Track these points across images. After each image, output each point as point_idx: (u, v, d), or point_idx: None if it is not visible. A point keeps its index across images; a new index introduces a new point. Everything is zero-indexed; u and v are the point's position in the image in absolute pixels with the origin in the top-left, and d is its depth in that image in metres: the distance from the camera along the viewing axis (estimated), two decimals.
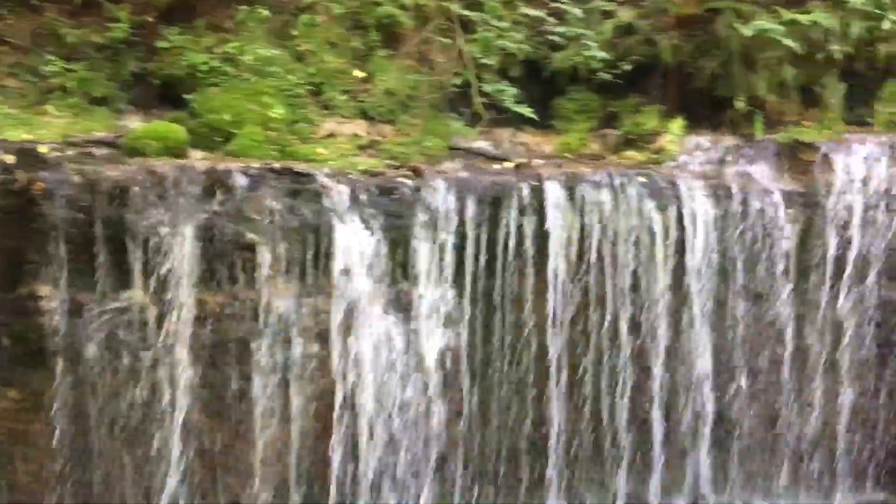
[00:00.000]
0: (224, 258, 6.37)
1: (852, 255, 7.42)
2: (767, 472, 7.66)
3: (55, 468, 6.27)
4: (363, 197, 6.72)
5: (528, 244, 7.02)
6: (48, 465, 6.27)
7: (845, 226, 7.44)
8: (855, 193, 7.40)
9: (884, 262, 7.44)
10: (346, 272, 6.47)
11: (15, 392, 6.25)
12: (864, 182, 7.41)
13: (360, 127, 8.22)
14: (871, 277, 7.47)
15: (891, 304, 7.50)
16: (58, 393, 6.21)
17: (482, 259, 6.94)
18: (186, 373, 6.28)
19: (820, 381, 7.51)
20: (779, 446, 7.60)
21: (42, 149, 6.42)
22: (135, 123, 7.42)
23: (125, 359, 6.28)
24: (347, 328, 6.45)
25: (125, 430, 6.34)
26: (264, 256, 6.36)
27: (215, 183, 6.49)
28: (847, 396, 7.54)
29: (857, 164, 7.47)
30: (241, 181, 6.50)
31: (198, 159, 6.92)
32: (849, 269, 7.46)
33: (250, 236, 6.39)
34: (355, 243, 6.54)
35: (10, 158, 6.23)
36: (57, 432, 6.21)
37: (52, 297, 6.19)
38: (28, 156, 6.29)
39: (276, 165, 6.77)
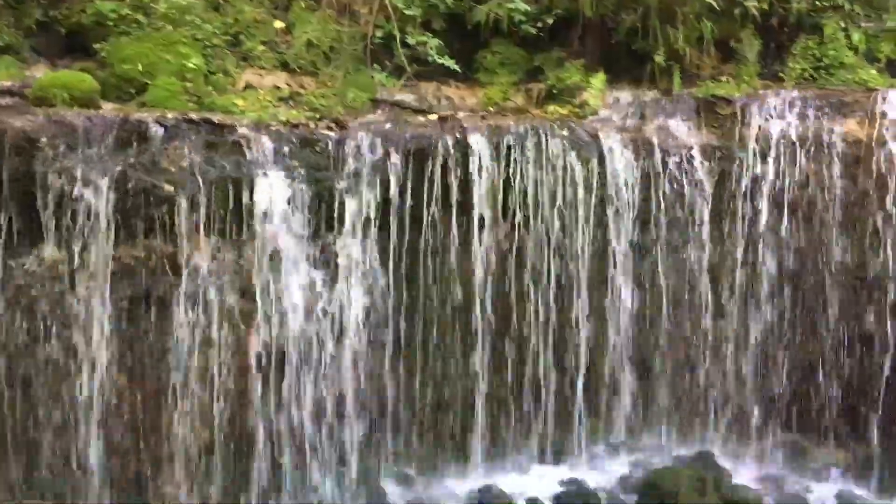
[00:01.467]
0: (141, 212, 6.17)
1: (765, 205, 7.64)
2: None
3: None
4: (286, 149, 6.59)
5: (453, 197, 7.02)
6: None
7: (759, 178, 7.65)
8: (769, 146, 7.60)
9: (793, 212, 7.69)
10: (269, 226, 6.34)
11: None
12: (778, 135, 7.61)
13: (280, 79, 8.03)
14: (784, 225, 7.71)
15: (800, 249, 7.75)
16: None
17: (407, 212, 6.91)
18: (103, 330, 6.09)
19: (733, 327, 7.76)
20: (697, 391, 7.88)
21: None
22: (41, 73, 7.09)
23: (39, 316, 6.05)
24: (270, 283, 6.35)
25: (41, 389, 6.13)
26: (182, 209, 6.19)
27: (130, 134, 6.26)
28: (756, 342, 7.83)
29: (771, 119, 7.66)
30: (156, 132, 6.29)
31: (109, 110, 6.66)
32: (763, 218, 7.68)
33: (168, 189, 6.20)
34: (278, 197, 6.42)
35: None
36: None
37: None
38: None
39: (194, 116, 6.57)
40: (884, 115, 7.43)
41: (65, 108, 6.41)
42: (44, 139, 6.00)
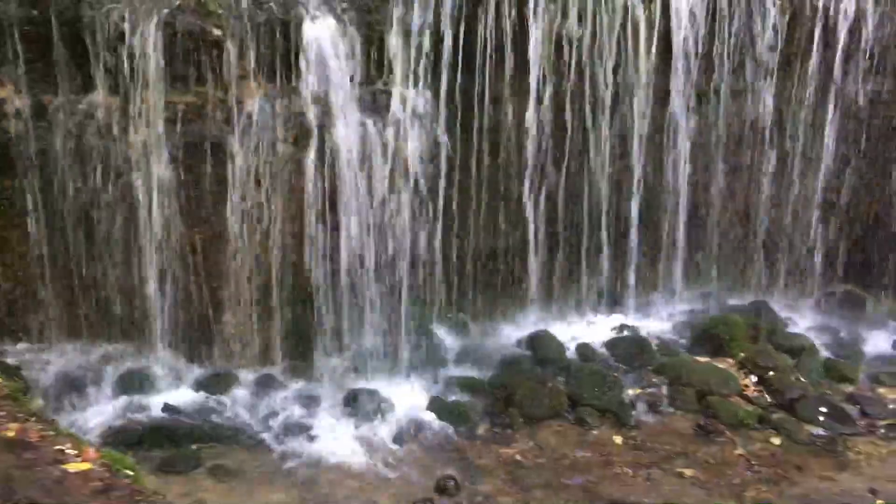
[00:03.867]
0: (190, 57, 6.09)
1: (839, 48, 7.22)
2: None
3: (35, 272, 6.30)
4: None
5: (508, 41, 6.76)
6: (27, 270, 6.29)
7: (835, 18, 7.18)
8: None
9: (869, 57, 7.26)
10: (317, 71, 6.22)
11: None
12: None
13: None
14: (857, 70, 7.30)
15: (872, 98, 7.37)
16: (29, 197, 6.13)
17: (460, 57, 6.69)
18: (160, 176, 6.17)
19: (794, 176, 7.53)
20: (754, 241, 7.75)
21: None
22: None
23: (94, 162, 6.15)
24: (321, 128, 6.29)
25: (104, 234, 6.31)
26: (231, 54, 6.09)
27: None
28: (817, 192, 7.59)
29: None
30: None
31: None
32: (836, 62, 7.28)
33: (216, 32, 6.09)
34: (326, 41, 6.26)
35: None
36: (34, 237, 6.19)
37: (14, 99, 5.96)
38: None
39: None
40: None
41: None
42: None
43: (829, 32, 7.22)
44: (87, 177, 6.19)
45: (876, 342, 7.52)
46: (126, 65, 5.95)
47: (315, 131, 6.30)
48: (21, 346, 6.46)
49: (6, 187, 6.16)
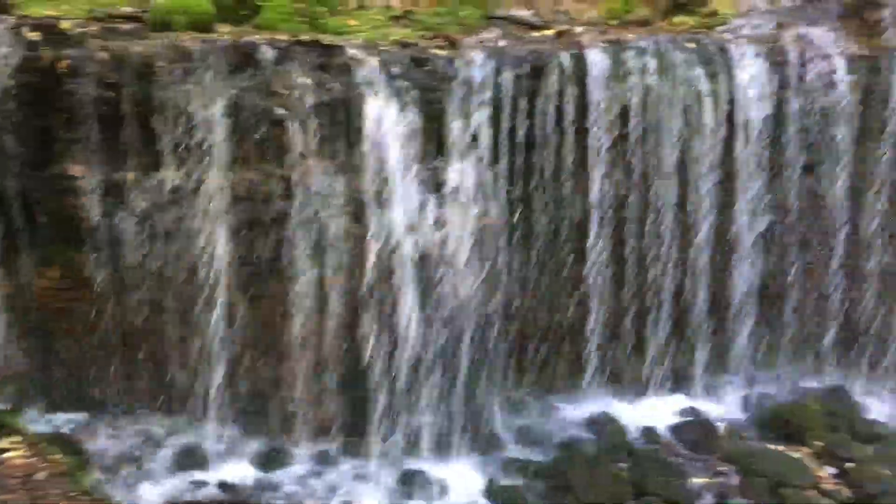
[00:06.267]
0: (254, 136, 6.22)
1: None
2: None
3: (100, 344, 6.42)
4: (395, 69, 6.44)
5: (569, 118, 6.71)
6: (91, 341, 6.41)
7: None
8: None
9: None
10: (378, 149, 6.27)
11: (55, 271, 6.33)
12: None
13: None
14: None
15: None
16: (98, 272, 6.28)
17: (520, 133, 6.67)
18: (224, 252, 6.26)
19: (875, 255, 7.20)
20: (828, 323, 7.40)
21: (65, 24, 6.25)
22: None
23: (162, 239, 6.28)
24: (381, 205, 6.31)
25: (167, 309, 6.42)
26: (294, 133, 6.19)
27: (242, 57, 6.28)
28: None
29: None
30: (268, 55, 6.27)
31: (224, 33, 6.69)
32: None
33: (280, 112, 6.21)
34: (388, 118, 6.32)
35: (34, 35, 6.09)
36: (98, 309, 6.32)
37: (85, 176, 6.17)
38: (52, 32, 6.14)
39: (304, 38, 6.50)
40: None
41: (181, 32, 6.49)
42: (162, 63, 6.10)
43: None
44: (153, 252, 6.32)
45: None
46: (193, 143, 6.11)
47: (374, 208, 6.32)
48: (82, 416, 6.55)
49: (75, 260, 6.34)
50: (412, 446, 6.51)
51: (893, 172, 7.15)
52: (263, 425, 6.57)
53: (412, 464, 6.44)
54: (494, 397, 6.89)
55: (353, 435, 6.56)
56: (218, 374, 6.40)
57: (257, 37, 6.53)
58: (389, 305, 6.33)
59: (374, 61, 6.42)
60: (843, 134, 7.00)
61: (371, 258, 6.25)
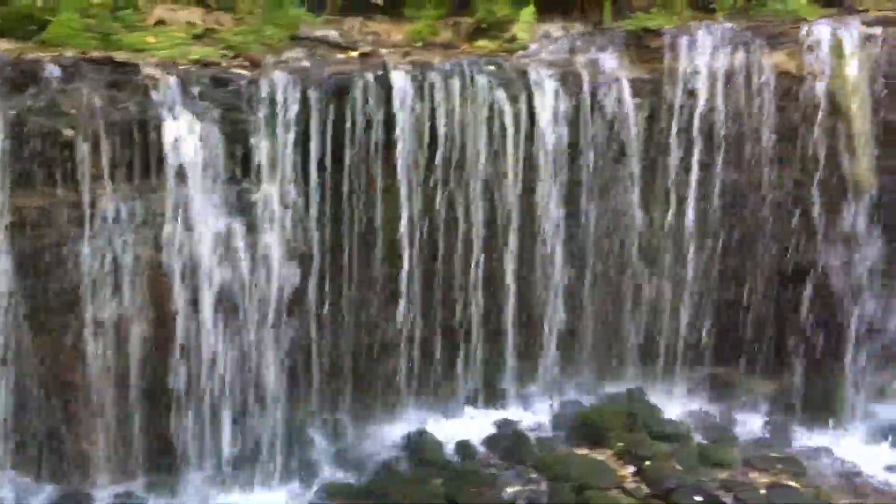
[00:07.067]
0: (39, 158, 5.82)
1: (696, 140, 7.53)
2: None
3: None
4: (195, 89, 6.25)
5: (376, 138, 6.76)
6: None
7: (690, 113, 7.51)
8: (699, 79, 7.45)
9: (726, 147, 7.59)
10: (179, 172, 6.04)
11: None
12: (709, 68, 7.46)
13: (195, 14, 7.64)
14: (719, 161, 7.61)
15: (731, 185, 7.68)
16: None
17: (328, 154, 6.64)
18: (6, 284, 5.80)
19: (663, 263, 7.72)
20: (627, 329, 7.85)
21: None
22: None
23: None
24: (183, 231, 6.07)
25: None
26: (84, 155, 5.85)
27: (25, 75, 5.88)
28: (686, 278, 7.79)
29: (701, 52, 7.50)
30: (53, 72, 5.90)
31: (5, 50, 6.24)
32: (695, 154, 7.57)
33: (68, 133, 5.85)
34: (188, 140, 6.10)
35: None
36: None
37: None
38: None
39: (95, 55, 6.18)
40: (812, 47, 7.34)
41: None
42: None
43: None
44: None
45: (748, 425, 7.67)
46: None
47: (176, 234, 6.07)
48: None
49: None
50: (223, 479, 6.28)
51: (681, 188, 7.69)
52: (58, 469, 6.12)
53: (224, 497, 6.21)
54: (310, 422, 6.79)
55: (159, 472, 6.24)
56: (5, 418, 5.90)
57: (42, 53, 6.14)
58: (193, 334, 6.10)
59: (172, 80, 6.20)
60: (632, 152, 7.48)
61: (173, 285, 6.00)
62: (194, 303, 6.07)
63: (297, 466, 6.57)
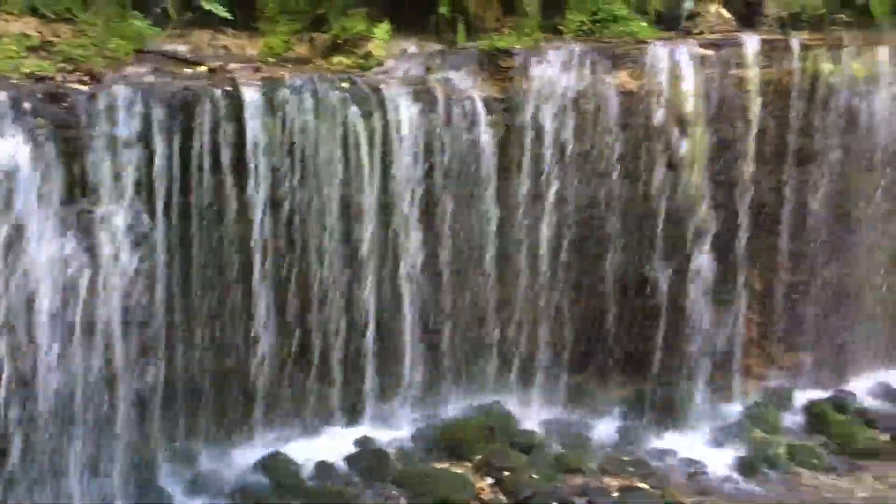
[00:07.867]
0: None
1: (547, 157, 7.74)
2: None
3: None
4: (27, 105, 5.93)
5: (225, 156, 6.60)
6: None
7: (541, 130, 7.72)
8: (549, 98, 7.67)
9: (576, 162, 7.85)
10: (8, 190, 5.70)
11: None
12: (557, 87, 7.69)
13: (29, 25, 7.26)
14: (569, 175, 7.84)
15: (585, 198, 7.93)
16: None
17: (175, 173, 6.44)
18: None
19: (520, 276, 7.88)
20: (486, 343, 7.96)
21: None
22: None
23: None
24: (14, 255, 5.73)
25: None
26: None
27: None
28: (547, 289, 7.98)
29: (550, 71, 7.73)
30: None
31: None
32: (546, 169, 7.78)
33: None
34: (18, 160, 5.77)
35: None
36: None
37: None
38: None
39: None
40: (652, 66, 7.72)
41: None
42: None
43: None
44: None
45: (602, 430, 7.92)
46: None
47: (6, 256, 5.72)
48: None
49: None
50: None
51: (531, 207, 7.87)
52: None
53: None
54: (160, 450, 6.54)
55: None
56: None
57: None
58: (28, 360, 5.76)
59: (1, 95, 5.86)
60: (486, 170, 7.61)
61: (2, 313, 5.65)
62: (27, 328, 5.72)
63: (147, 496, 6.31)
